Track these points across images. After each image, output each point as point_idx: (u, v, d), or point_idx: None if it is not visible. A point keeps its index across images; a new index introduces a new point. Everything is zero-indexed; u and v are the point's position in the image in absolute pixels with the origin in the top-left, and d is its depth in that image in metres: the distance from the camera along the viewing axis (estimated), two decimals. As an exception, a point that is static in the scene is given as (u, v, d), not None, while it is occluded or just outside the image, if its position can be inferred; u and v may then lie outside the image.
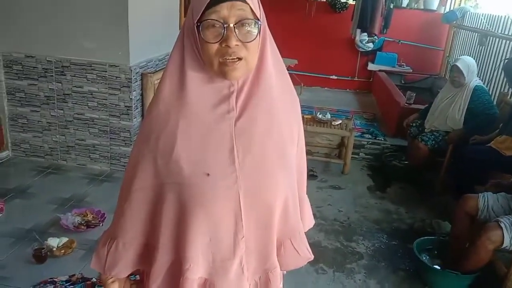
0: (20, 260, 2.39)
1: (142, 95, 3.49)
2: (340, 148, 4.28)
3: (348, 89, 6.88)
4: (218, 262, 1.00)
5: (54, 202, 3.02)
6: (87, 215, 2.80)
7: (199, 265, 0.99)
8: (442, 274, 2.47)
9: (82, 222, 2.73)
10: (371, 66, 6.67)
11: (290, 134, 1.04)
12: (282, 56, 1.02)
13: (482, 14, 5.32)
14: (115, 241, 1.04)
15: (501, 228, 2.24)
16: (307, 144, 1.15)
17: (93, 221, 2.77)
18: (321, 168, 4.06)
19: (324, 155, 4.29)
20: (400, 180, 3.91)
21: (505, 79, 3.90)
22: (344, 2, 6.52)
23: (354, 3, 6.30)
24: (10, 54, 3.39)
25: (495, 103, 3.85)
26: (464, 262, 2.37)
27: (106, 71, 3.31)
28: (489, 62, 4.64)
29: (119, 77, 3.31)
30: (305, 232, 1.16)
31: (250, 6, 0.88)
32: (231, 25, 0.87)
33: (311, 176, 3.77)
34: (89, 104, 3.43)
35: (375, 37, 6.34)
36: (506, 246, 2.24)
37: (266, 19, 0.95)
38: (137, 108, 3.46)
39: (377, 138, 4.52)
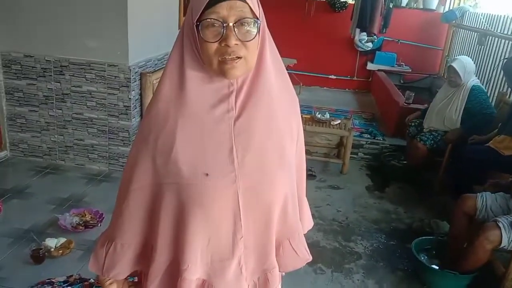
0: (18, 260, 2.39)
1: (141, 94, 3.49)
2: (339, 148, 4.28)
3: (347, 89, 6.88)
4: (217, 262, 1.00)
5: (52, 202, 3.01)
6: (85, 215, 2.80)
7: (197, 266, 0.98)
8: (441, 274, 2.48)
9: (80, 222, 2.73)
10: (370, 66, 6.67)
11: (289, 134, 1.04)
12: (281, 56, 1.02)
13: (482, 13, 5.33)
14: (113, 243, 1.04)
15: (499, 228, 2.24)
16: (306, 144, 1.15)
17: (91, 222, 2.76)
18: (320, 168, 4.06)
19: (323, 155, 4.29)
20: (398, 180, 3.91)
21: (504, 79, 3.90)
22: (343, 2, 6.52)
23: (353, 3, 6.30)
24: (9, 54, 3.39)
25: (494, 102, 3.86)
26: (462, 262, 2.37)
27: (105, 71, 3.31)
28: (488, 62, 4.65)
29: (118, 77, 3.31)
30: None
31: (249, 6, 0.88)
32: (231, 24, 0.87)
33: (309, 176, 3.77)
34: (87, 104, 3.43)
35: (374, 36, 6.34)
36: (504, 246, 2.24)
37: (265, 19, 0.95)
38: (136, 108, 3.45)
39: (376, 138, 4.52)
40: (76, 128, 3.51)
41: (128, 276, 1.09)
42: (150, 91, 3.43)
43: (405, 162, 4.07)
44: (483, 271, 2.38)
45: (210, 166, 0.93)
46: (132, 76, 3.31)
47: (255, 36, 0.90)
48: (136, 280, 1.18)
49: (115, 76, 3.31)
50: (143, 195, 0.99)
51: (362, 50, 6.59)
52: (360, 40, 6.44)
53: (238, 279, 1.01)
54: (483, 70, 4.72)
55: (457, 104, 3.59)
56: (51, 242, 2.46)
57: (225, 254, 0.99)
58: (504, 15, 4.61)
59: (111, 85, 3.34)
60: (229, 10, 0.86)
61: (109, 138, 3.50)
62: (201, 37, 0.88)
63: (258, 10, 0.91)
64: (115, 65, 3.27)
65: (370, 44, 6.49)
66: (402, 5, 6.53)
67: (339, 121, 4.08)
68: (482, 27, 5.02)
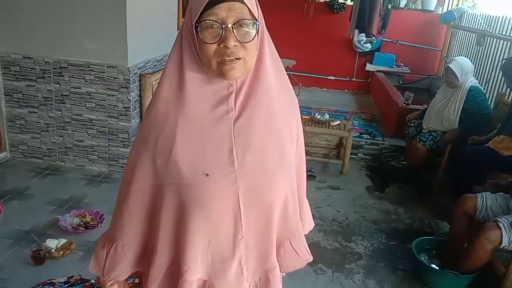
0: (19, 261, 2.39)
1: (140, 96, 3.49)
2: (339, 149, 4.29)
3: (346, 90, 6.88)
4: (217, 263, 1.00)
5: (53, 203, 3.01)
6: (86, 216, 2.80)
7: (198, 266, 0.99)
8: (441, 274, 2.48)
9: (81, 223, 2.72)
10: (369, 67, 6.68)
11: (289, 134, 1.04)
12: (280, 57, 1.02)
13: (480, 14, 5.34)
14: (114, 244, 1.04)
15: (500, 228, 2.24)
16: (305, 144, 1.15)
17: (91, 222, 2.76)
18: (319, 168, 4.06)
19: (323, 156, 4.29)
20: (398, 181, 3.91)
21: (503, 79, 3.91)
22: (342, 3, 6.52)
23: (352, 4, 6.30)
24: (8, 55, 3.39)
25: (493, 103, 3.87)
26: (462, 262, 2.38)
27: (104, 72, 3.31)
28: (487, 63, 4.65)
29: (117, 78, 3.31)
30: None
31: (248, 7, 0.88)
32: (229, 25, 0.87)
33: (309, 176, 3.77)
34: (87, 105, 3.43)
35: (373, 37, 6.34)
36: (505, 246, 2.25)
37: (264, 20, 0.95)
38: (135, 109, 3.45)
39: (376, 139, 4.53)
40: (75, 129, 3.51)
41: (128, 277, 1.09)
42: (150, 92, 3.43)
43: (404, 162, 4.08)
44: (483, 271, 2.38)
45: (210, 167, 0.93)
46: (132, 77, 3.31)
47: (254, 37, 0.90)
48: (137, 281, 1.18)
49: (115, 77, 3.31)
50: (143, 196, 0.99)
51: (361, 51, 6.59)
52: (359, 41, 6.44)
53: (239, 279, 1.01)
54: (482, 71, 4.72)
55: (455, 105, 3.59)
56: (52, 243, 2.46)
57: (226, 254, 0.99)
58: (503, 16, 4.61)
59: (111, 86, 3.34)
60: (228, 12, 0.86)
61: (108, 139, 3.50)
62: (200, 38, 0.89)
63: (257, 12, 0.91)
64: (114, 66, 3.28)
65: (369, 45, 6.49)
66: (400, 6, 6.53)
67: (338, 122, 4.08)
68: (481, 28, 5.03)
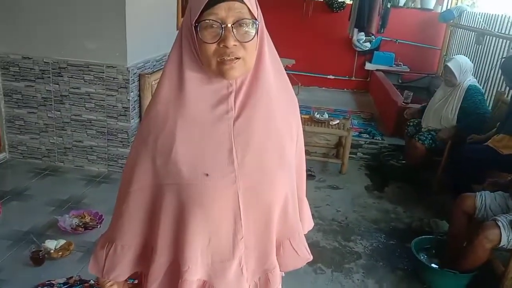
0: (18, 262, 2.38)
1: (139, 96, 3.48)
2: (338, 148, 4.29)
3: (345, 89, 6.89)
4: (217, 263, 1.00)
5: (52, 204, 3.01)
6: (85, 217, 2.79)
7: (197, 267, 0.99)
8: (440, 273, 2.48)
9: (80, 224, 2.72)
10: (368, 66, 6.68)
11: (289, 133, 1.04)
12: (280, 56, 1.02)
13: (479, 13, 5.34)
14: (114, 244, 1.04)
15: (499, 227, 2.24)
16: (304, 144, 1.15)
17: (91, 223, 2.76)
18: (319, 168, 4.06)
19: (322, 155, 4.29)
20: (397, 180, 3.91)
21: (502, 78, 3.90)
22: (341, 2, 6.52)
23: (351, 3, 6.30)
24: (7, 56, 3.38)
25: (492, 102, 3.87)
26: (462, 261, 2.38)
27: (103, 72, 3.30)
28: (486, 61, 4.65)
29: (116, 78, 3.30)
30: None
31: (247, 7, 0.88)
32: (229, 25, 0.87)
33: (309, 176, 3.77)
34: (86, 106, 3.42)
35: (372, 36, 6.35)
36: (504, 245, 2.25)
37: (263, 19, 0.95)
38: (134, 109, 3.45)
39: (375, 138, 4.53)
40: (75, 130, 3.51)
41: (128, 277, 1.09)
42: (149, 92, 3.43)
43: (403, 161, 4.08)
44: (482, 270, 2.38)
45: (210, 167, 0.93)
46: (131, 77, 3.31)
47: (254, 37, 0.90)
48: (136, 282, 1.18)
49: (114, 78, 3.30)
50: (143, 196, 0.99)
51: (360, 50, 6.60)
52: (358, 40, 6.44)
53: (239, 279, 1.01)
54: (481, 69, 4.73)
55: (453, 104, 3.60)
56: (51, 244, 2.46)
57: (225, 254, 0.99)
58: (502, 15, 4.61)
59: (110, 86, 3.34)
60: (228, 11, 0.86)
61: (108, 139, 3.50)
62: (199, 38, 0.89)
63: (257, 11, 0.91)
64: (114, 67, 3.27)
65: (368, 44, 6.50)
66: (400, 5, 6.54)
67: (337, 121, 4.08)
68: (480, 27, 5.03)
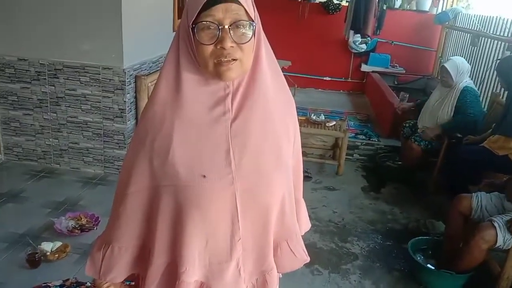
0: (14, 265, 2.37)
1: (136, 97, 3.48)
2: (334, 149, 4.29)
3: (341, 90, 6.90)
4: (215, 264, 0.99)
5: (48, 206, 3.00)
6: (81, 219, 2.79)
7: (195, 268, 0.98)
8: (437, 274, 2.48)
9: (76, 226, 2.71)
10: (364, 67, 6.70)
11: (286, 135, 1.04)
12: (276, 58, 1.02)
13: (474, 15, 5.37)
14: (110, 246, 1.03)
15: (495, 227, 2.25)
16: (301, 145, 1.15)
17: (87, 225, 2.75)
18: (315, 169, 4.06)
19: (319, 156, 4.30)
20: (394, 181, 3.92)
21: (497, 79, 3.93)
22: (337, 4, 6.54)
23: (347, 5, 6.32)
24: (3, 57, 3.37)
25: (487, 103, 3.89)
26: (458, 262, 2.39)
27: (99, 74, 3.30)
28: (481, 63, 4.68)
29: (112, 80, 3.30)
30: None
31: (244, 8, 0.88)
32: (226, 27, 0.87)
33: (305, 177, 3.72)
34: (82, 107, 3.41)
35: (368, 38, 6.37)
36: (500, 246, 2.26)
37: (260, 20, 0.95)
38: (131, 111, 3.44)
39: (371, 139, 4.54)
40: (71, 132, 3.50)
41: (125, 279, 1.09)
42: (145, 94, 3.43)
43: (400, 162, 4.09)
44: (479, 271, 2.39)
45: (207, 168, 0.93)
46: (127, 79, 3.30)
47: (251, 38, 0.90)
48: (134, 284, 1.18)
49: (110, 79, 3.30)
50: (140, 198, 0.98)
51: (356, 51, 6.62)
52: (354, 42, 6.46)
53: (236, 281, 1.01)
54: (477, 71, 4.75)
55: (449, 105, 3.62)
56: (47, 246, 2.45)
57: (223, 256, 0.99)
58: (497, 16, 4.64)
59: (106, 88, 3.33)
60: (225, 13, 0.86)
61: (104, 141, 3.49)
62: (196, 39, 0.89)
63: (254, 13, 0.91)
64: (110, 68, 3.27)
65: (364, 46, 6.52)
66: (395, 6, 6.56)
67: (334, 123, 4.09)
68: (475, 29, 5.06)
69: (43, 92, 3.42)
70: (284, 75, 1.05)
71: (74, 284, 2.22)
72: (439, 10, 6.49)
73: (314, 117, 4.10)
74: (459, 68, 3.58)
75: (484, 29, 4.84)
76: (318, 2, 6.62)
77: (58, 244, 2.50)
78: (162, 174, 0.94)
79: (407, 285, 2.55)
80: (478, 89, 3.92)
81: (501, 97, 3.76)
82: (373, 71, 6.50)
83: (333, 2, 6.52)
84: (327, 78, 6.88)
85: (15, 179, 3.36)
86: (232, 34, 0.87)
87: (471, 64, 4.74)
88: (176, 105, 0.93)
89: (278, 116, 1.00)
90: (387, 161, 4.18)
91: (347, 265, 2.69)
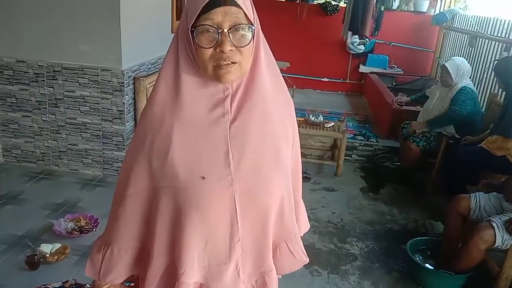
0: (13, 267, 2.37)
1: (134, 99, 3.48)
2: (333, 150, 4.30)
3: (340, 91, 6.91)
4: (214, 266, 1.00)
5: (47, 208, 2.99)
6: (80, 220, 2.78)
7: (194, 269, 0.99)
8: (436, 274, 2.49)
9: (75, 227, 2.71)
10: (362, 68, 6.70)
11: (284, 136, 1.04)
12: (274, 59, 1.03)
13: (472, 16, 5.38)
14: (110, 247, 1.04)
15: (493, 227, 2.26)
16: (300, 146, 1.15)
17: (86, 227, 2.75)
18: (314, 170, 4.07)
19: (317, 157, 4.30)
20: (392, 181, 3.92)
21: (495, 80, 3.94)
22: (335, 5, 6.55)
23: (345, 6, 6.33)
24: (1, 59, 3.37)
25: (485, 103, 3.90)
26: (457, 262, 2.39)
27: (98, 75, 3.30)
28: (479, 63, 4.69)
29: (111, 81, 3.30)
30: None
31: (244, 11, 0.89)
32: (225, 30, 0.87)
33: (304, 178, 3.74)
34: (81, 109, 3.41)
35: (366, 39, 6.38)
36: (498, 246, 2.26)
37: (258, 22, 0.96)
38: (129, 112, 3.44)
39: (370, 140, 4.54)
40: (69, 133, 3.50)
41: (124, 281, 1.09)
42: (144, 95, 3.43)
43: (398, 163, 4.09)
44: (477, 271, 2.39)
45: (206, 169, 0.93)
46: (126, 80, 3.30)
47: (250, 41, 0.90)
48: (133, 285, 1.18)
49: (109, 81, 3.30)
50: (140, 199, 0.99)
51: (354, 52, 6.63)
52: (352, 43, 6.47)
53: (235, 282, 1.01)
54: (474, 71, 4.75)
55: (448, 104, 3.62)
56: (46, 248, 2.44)
57: (222, 257, 0.99)
58: (494, 17, 4.66)
59: (105, 89, 3.33)
60: (224, 16, 0.87)
61: (103, 142, 3.49)
62: (196, 42, 0.89)
63: (253, 16, 0.92)
64: (108, 70, 3.27)
65: (362, 47, 6.53)
66: (393, 7, 6.57)
67: (332, 124, 4.09)
68: (473, 29, 5.07)
69: (41, 93, 3.42)
70: (282, 76, 1.05)
71: (74, 286, 2.22)
72: (437, 11, 6.51)
73: (312, 118, 4.10)
74: (460, 68, 3.59)
75: (481, 30, 4.85)
76: (316, 3, 6.63)
77: (57, 245, 2.49)
78: (161, 176, 0.94)
79: (406, 286, 2.56)
80: (476, 90, 3.93)
81: (499, 97, 3.77)
82: (371, 72, 6.51)
83: (331, 3, 6.53)
84: (326, 79, 6.89)
85: (14, 181, 3.36)
86: (231, 38, 0.88)
87: (469, 65, 4.76)
88: (175, 107, 0.93)
89: (277, 118, 1.01)
90: (386, 162, 4.19)
91: (346, 266, 2.69)
